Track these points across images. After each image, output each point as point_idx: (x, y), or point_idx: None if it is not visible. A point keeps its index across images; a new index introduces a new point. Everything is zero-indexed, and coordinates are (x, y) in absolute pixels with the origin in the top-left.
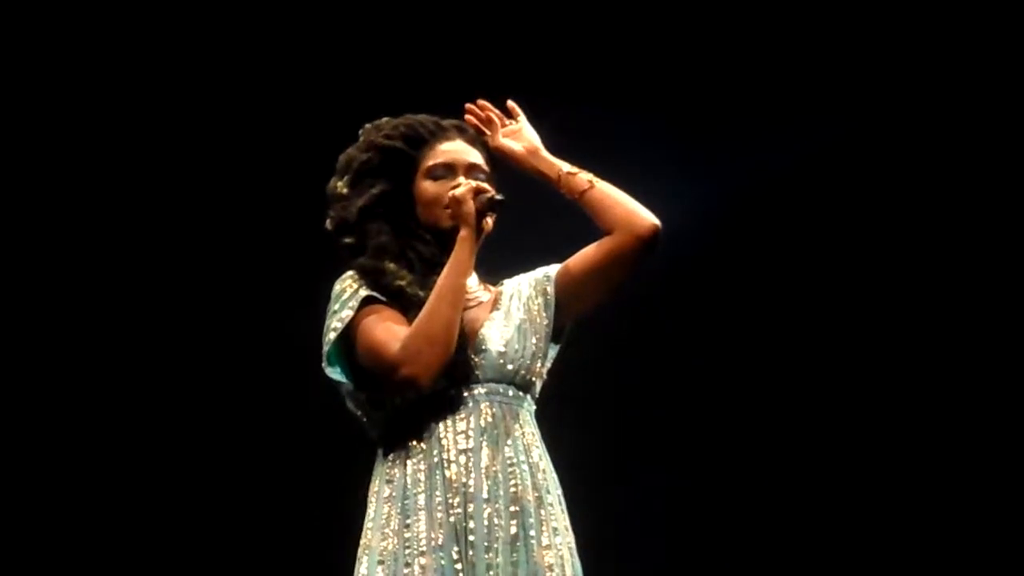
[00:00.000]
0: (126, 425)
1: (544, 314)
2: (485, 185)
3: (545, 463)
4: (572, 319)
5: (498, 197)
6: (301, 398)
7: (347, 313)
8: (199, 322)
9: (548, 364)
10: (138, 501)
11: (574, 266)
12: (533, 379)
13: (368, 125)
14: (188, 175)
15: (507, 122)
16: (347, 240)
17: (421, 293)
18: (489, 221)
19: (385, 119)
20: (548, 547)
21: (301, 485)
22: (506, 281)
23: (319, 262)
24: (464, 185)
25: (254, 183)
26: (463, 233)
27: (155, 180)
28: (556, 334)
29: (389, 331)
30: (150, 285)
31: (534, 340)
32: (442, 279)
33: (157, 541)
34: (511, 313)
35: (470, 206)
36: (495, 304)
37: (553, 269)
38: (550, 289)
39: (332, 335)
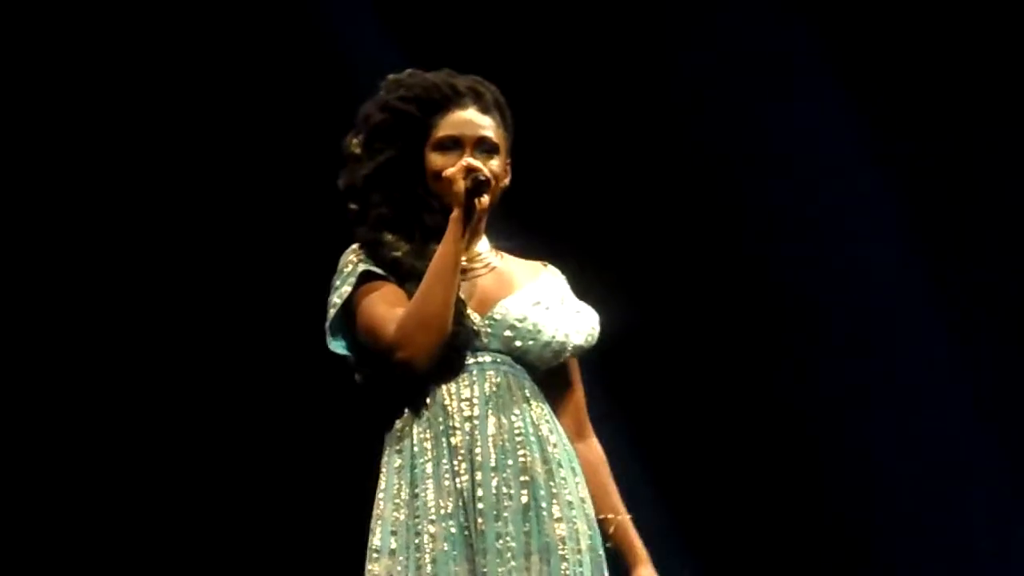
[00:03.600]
0: (153, 398)
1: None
2: (475, 163)
3: (556, 437)
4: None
5: (482, 177)
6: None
7: (346, 289)
8: (228, 292)
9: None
10: (167, 469)
11: (569, 377)
12: (539, 366)
13: (390, 77)
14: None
15: None
16: (352, 206)
17: (417, 264)
18: (484, 199)
19: (407, 72)
20: (560, 520)
21: (320, 457)
22: (551, 267)
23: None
24: (457, 165)
25: (271, 157)
26: (454, 213)
27: (168, 160)
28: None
29: (385, 312)
30: (170, 264)
31: (552, 334)
32: (434, 261)
33: (177, 519)
34: (541, 299)
35: (460, 186)
36: (527, 279)
37: (594, 334)
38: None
39: (332, 311)
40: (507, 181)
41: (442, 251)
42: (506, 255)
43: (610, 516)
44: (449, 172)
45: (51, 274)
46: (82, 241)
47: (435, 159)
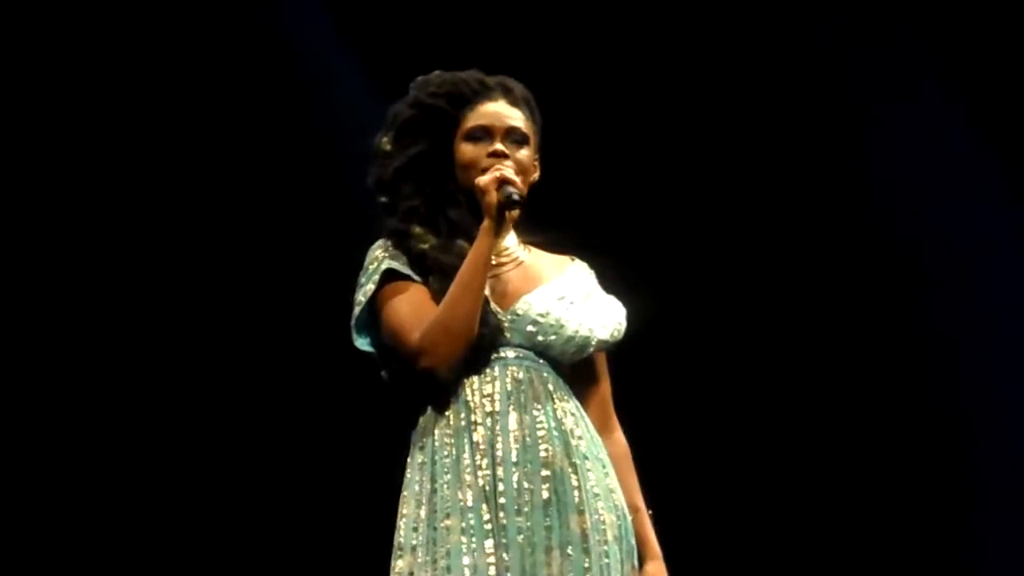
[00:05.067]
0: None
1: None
2: (510, 174)
3: (582, 429)
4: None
5: (515, 197)
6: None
7: (370, 287)
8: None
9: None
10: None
11: (595, 370)
12: (563, 360)
13: (419, 78)
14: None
15: None
16: (383, 199)
17: (443, 258)
18: (515, 213)
19: (435, 73)
20: (583, 512)
21: (352, 454)
22: (578, 262)
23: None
24: (490, 173)
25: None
26: (485, 223)
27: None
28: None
29: (409, 316)
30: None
31: (576, 329)
32: (463, 270)
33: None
34: (566, 294)
35: (492, 197)
36: (553, 274)
37: (620, 329)
38: (610, 339)
39: (356, 309)
40: (536, 176)
41: (471, 261)
42: (534, 249)
43: (627, 511)
44: (483, 182)
45: (72, 278)
46: (95, 247)
47: (465, 149)
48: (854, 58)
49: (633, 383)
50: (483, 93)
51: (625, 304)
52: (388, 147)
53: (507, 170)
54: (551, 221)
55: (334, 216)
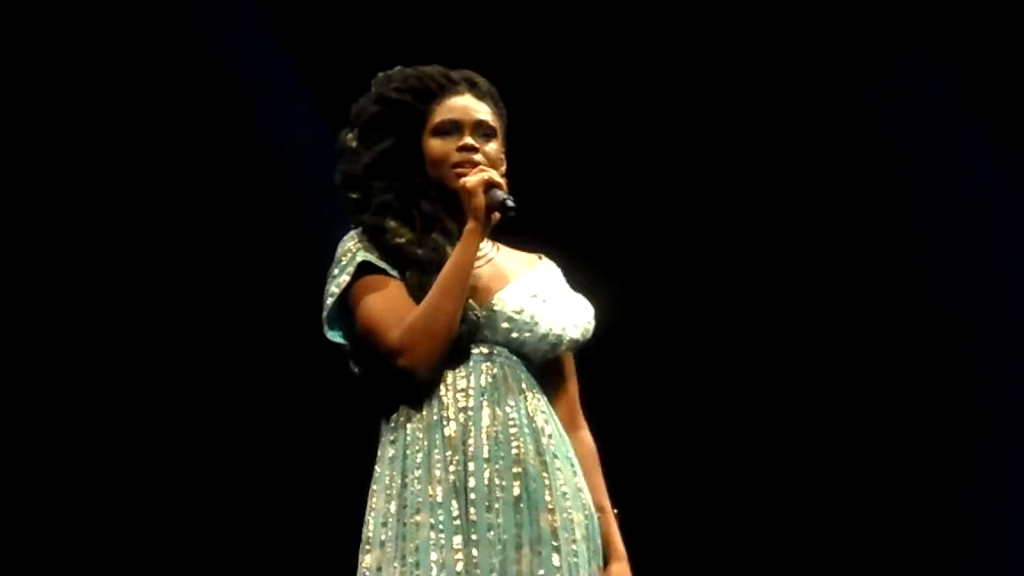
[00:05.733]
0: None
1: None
2: (497, 178)
3: (552, 427)
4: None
5: (510, 203)
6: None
7: (344, 279)
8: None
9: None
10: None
11: (563, 369)
12: (535, 358)
13: (380, 75)
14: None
15: None
16: (353, 195)
17: (419, 251)
18: (497, 214)
19: (397, 69)
20: (553, 510)
21: (321, 448)
22: (546, 260)
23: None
24: (475, 175)
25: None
26: (470, 226)
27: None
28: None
29: (388, 312)
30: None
31: (549, 327)
32: (446, 272)
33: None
34: (538, 291)
35: (480, 200)
36: (523, 270)
37: (589, 328)
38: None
39: (329, 300)
40: (503, 169)
41: (455, 264)
42: (502, 246)
43: (594, 510)
44: (471, 184)
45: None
46: (66, 240)
47: (435, 145)
48: (842, 39)
49: (600, 382)
50: (449, 87)
51: (592, 302)
52: (354, 143)
53: (493, 172)
54: (519, 218)
55: (292, 212)
